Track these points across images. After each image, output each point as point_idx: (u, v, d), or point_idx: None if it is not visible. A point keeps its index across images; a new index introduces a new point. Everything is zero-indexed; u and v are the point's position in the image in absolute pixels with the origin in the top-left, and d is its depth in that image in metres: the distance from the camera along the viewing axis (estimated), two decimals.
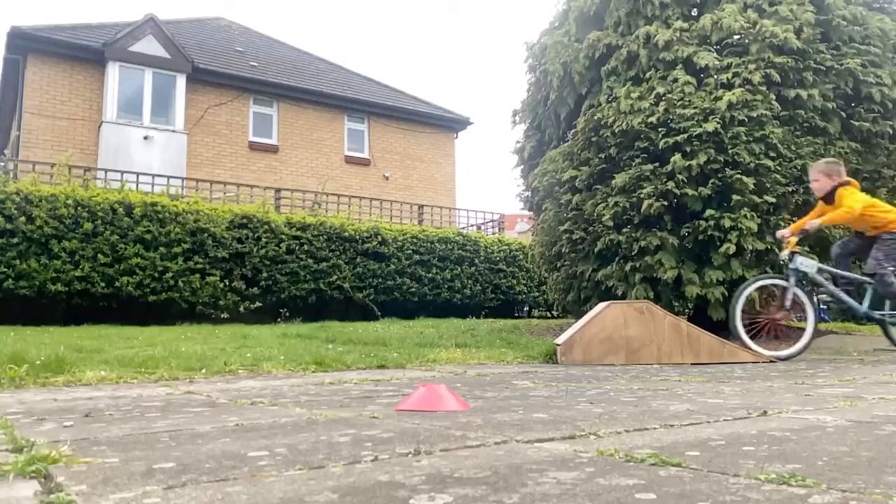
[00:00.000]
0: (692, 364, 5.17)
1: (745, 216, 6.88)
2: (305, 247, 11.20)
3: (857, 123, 7.47)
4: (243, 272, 10.43)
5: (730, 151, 7.01)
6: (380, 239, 12.04)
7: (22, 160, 12.94)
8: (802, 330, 5.67)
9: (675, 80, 7.40)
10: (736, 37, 7.64)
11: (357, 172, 18.12)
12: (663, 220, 7.23)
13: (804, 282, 5.30)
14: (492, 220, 17.53)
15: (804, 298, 5.20)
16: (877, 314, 5.15)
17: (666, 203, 7.20)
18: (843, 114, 7.52)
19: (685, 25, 7.69)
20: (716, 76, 7.44)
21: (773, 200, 6.98)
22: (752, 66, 7.25)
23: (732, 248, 6.87)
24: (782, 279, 5.29)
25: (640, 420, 2.16)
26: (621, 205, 7.30)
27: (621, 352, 5.28)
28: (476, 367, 4.64)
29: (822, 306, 5.24)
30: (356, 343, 6.06)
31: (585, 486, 1.25)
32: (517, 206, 13.52)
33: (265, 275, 10.60)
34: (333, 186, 16.23)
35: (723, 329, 7.21)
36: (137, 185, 11.88)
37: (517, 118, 9.78)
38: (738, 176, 6.90)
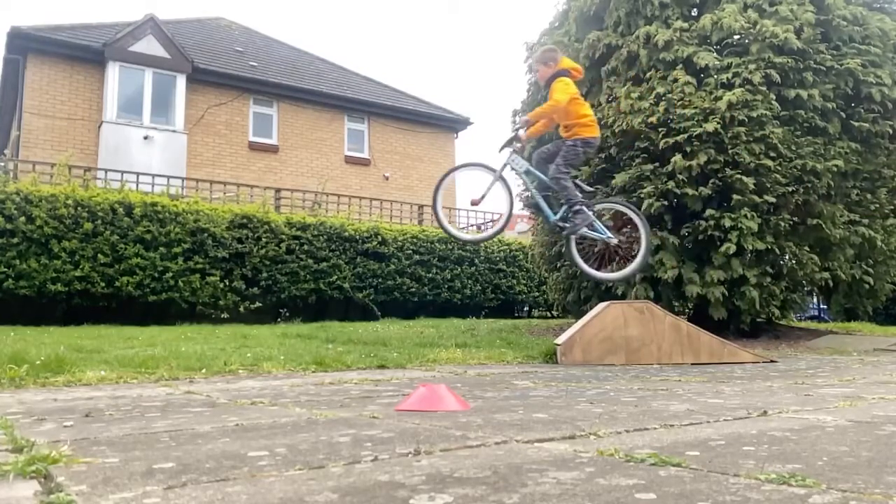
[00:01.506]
0: (692, 364, 5.17)
1: (746, 216, 6.88)
2: (305, 247, 11.19)
3: (857, 123, 7.47)
4: (243, 272, 10.43)
5: (730, 151, 7.01)
6: (380, 239, 12.03)
7: (22, 160, 12.93)
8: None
9: (675, 80, 7.40)
10: (736, 37, 7.64)
11: (357, 172, 18.11)
12: (663, 220, 7.24)
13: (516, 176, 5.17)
14: (492, 220, 17.51)
15: (506, 192, 5.10)
16: (566, 226, 4.98)
17: (666, 203, 7.20)
18: (843, 114, 7.52)
19: (685, 25, 7.69)
20: (716, 76, 7.44)
21: (773, 200, 6.98)
22: (752, 66, 7.26)
23: (733, 248, 6.88)
24: (489, 170, 5.21)
25: (640, 420, 2.16)
26: None
27: (621, 352, 5.28)
28: (476, 367, 4.64)
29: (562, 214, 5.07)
30: (356, 343, 6.06)
31: (585, 486, 1.25)
32: (517, 206, 13.51)
33: (265, 275, 10.59)
34: (333, 186, 16.21)
35: (723, 329, 7.22)
36: (137, 185, 11.86)
37: (517, 118, 9.78)
38: (739, 176, 6.91)
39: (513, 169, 4.96)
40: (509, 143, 4.94)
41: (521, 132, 4.98)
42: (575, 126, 4.88)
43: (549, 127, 5.14)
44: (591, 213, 4.91)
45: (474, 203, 5.16)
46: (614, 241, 5.03)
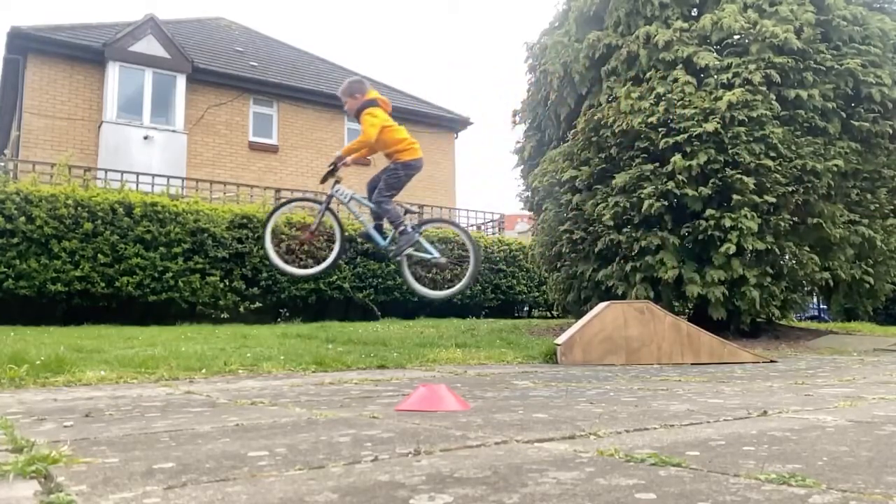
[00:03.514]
0: (692, 364, 5.17)
1: (746, 216, 6.88)
2: (305, 246, 11.20)
3: (857, 123, 7.47)
4: (243, 272, 10.42)
5: (730, 151, 7.01)
6: None
7: (22, 160, 12.92)
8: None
9: (676, 80, 7.40)
10: (736, 37, 7.64)
11: (357, 172, 18.05)
12: (664, 220, 7.24)
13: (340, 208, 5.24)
14: (492, 220, 17.50)
15: (335, 223, 5.19)
16: (392, 249, 5.04)
17: (666, 203, 7.20)
18: (843, 114, 7.52)
19: (685, 25, 7.69)
20: (716, 76, 7.44)
21: (774, 200, 6.98)
22: (752, 67, 7.25)
23: (733, 248, 6.87)
24: (316, 202, 5.28)
25: (640, 420, 2.16)
26: (621, 205, 7.30)
27: (621, 352, 5.28)
28: (476, 367, 4.64)
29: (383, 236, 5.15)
30: (356, 343, 6.05)
31: (585, 486, 1.25)
32: (517, 206, 13.49)
33: (265, 275, 10.59)
34: None
35: (723, 329, 7.22)
36: (137, 185, 11.86)
37: (517, 118, 9.78)
38: (739, 176, 6.91)
39: (338, 199, 5.10)
40: (329, 175, 5.12)
41: (340, 165, 5.11)
42: (395, 153, 5.05)
43: (370, 155, 5.33)
44: (416, 233, 5.03)
45: (302, 242, 5.24)
46: (443, 260, 5.14)
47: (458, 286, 5.16)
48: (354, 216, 5.22)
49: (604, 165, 7.65)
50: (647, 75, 7.67)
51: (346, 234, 5.18)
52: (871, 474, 1.35)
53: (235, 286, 10.31)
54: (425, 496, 1.19)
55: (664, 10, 7.98)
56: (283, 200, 5.31)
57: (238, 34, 19.74)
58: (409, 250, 4.99)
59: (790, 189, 7.08)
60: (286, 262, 5.09)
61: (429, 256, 5.12)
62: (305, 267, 5.17)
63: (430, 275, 5.28)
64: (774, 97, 7.25)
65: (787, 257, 7.35)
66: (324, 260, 5.26)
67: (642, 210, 7.12)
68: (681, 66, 7.53)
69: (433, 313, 11.84)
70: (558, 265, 8.54)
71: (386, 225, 5.16)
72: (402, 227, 4.98)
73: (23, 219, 8.83)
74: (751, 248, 6.95)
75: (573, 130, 8.08)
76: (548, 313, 13.71)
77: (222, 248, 10.22)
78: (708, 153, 7.01)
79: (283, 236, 5.25)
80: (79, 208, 9.29)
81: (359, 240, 5.54)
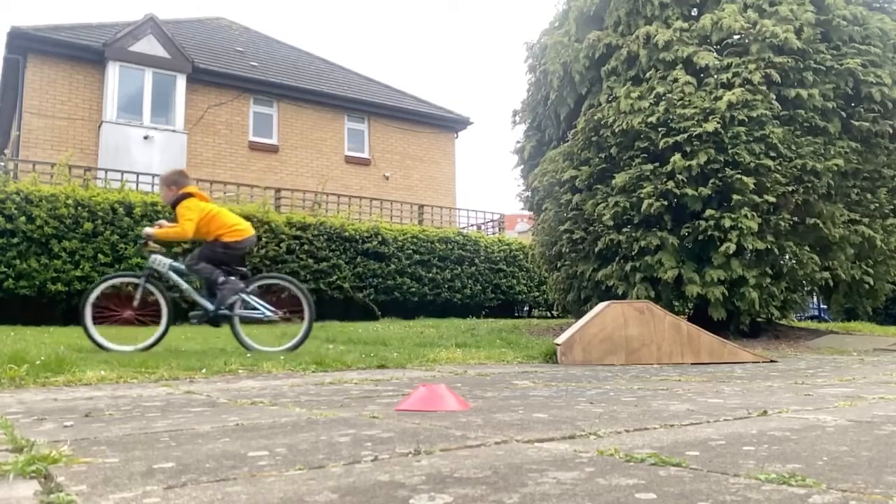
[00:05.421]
0: (692, 364, 5.17)
1: (746, 216, 6.89)
2: (305, 247, 11.20)
3: (857, 123, 7.47)
4: (243, 272, 10.44)
5: (730, 151, 7.01)
6: (380, 239, 12.04)
7: (22, 160, 12.93)
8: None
9: (675, 80, 7.40)
10: (736, 37, 7.64)
11: (357, 172, 18.11)
12: (663, 220, 7.24)
13: (162, 279, 5.19)
14: (492, 220, 17.52)
15: (159, 295, 5.14)
16: (223, 311, 5.01)
17: (666, 203, 7.20)
18: (843, 113, 7.52)
19: (685, 25, 7.69)
20: (716, 76, 7.44)
21: (774, 200, 6.98)
22: (752, 66, 7.26)
23: (732, 248, 6.88)
24: (135, 276, 5.25)
25: (640, 420, 2.16)
26: (621, 205, 7.30)
27: (621, 352, 5.28)
28: (476, 367, 4.64)
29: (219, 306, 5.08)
30: (356, 343, 6.05)
31: (585, 486, 1.25)
32: (517, 206, 13.52)
33: (264, 274, 10.60)
34: (333, 186, 16.22)
35: (723, 329, 7.22)
36: (137, 185, 11.88)
37: (517, 118, 9.78)
38: (739, 176, 6.91)
39: (157, 269, 5.09)
40: (141, 250, 5.16)
41: (151, 242, 5.14)
42: (219, 237, 5.17)
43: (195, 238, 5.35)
44: (238, 290, 5.06)
45: (127, 320, 5.18)
46: (276, 317, 5.12)
47: (292, 342, 5.16)
48: (177, 285, 5.21)
49: (604, 165, 7.66)
50: (647, 75, 7.67)
51: (170, 307, 5.16)
52: (871, 474, 1.35)
53: None
54: (425, 496, 1.19)
55: (664, 10, 7.98)
56: (101, 279, 5.24)
57: (238, 34, 19.74)
58: (241, 312, 5.03)
59: (790, 189, 7.08)
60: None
61: (259, 315, 5.13)
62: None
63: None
64: (774, 97, 7.26)
65: (786, 257, 7.35)
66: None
67: (642, 210, 7.13)
68: (681, 65, 7.53)
69: (433, 313, 11.85)
70: (558, 265, 8.55)
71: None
72: (220, 282, 5.01)
73: (23, 218, 8.83)
74: (751, 247, 6.95)
75: (573, 130, 8.09)
76: (548, 313, 13.72)
77: None
78: (708, 153, 7.01)
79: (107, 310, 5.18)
80: (79, 208, 9.29)
81: (185, 306, 5.56)
